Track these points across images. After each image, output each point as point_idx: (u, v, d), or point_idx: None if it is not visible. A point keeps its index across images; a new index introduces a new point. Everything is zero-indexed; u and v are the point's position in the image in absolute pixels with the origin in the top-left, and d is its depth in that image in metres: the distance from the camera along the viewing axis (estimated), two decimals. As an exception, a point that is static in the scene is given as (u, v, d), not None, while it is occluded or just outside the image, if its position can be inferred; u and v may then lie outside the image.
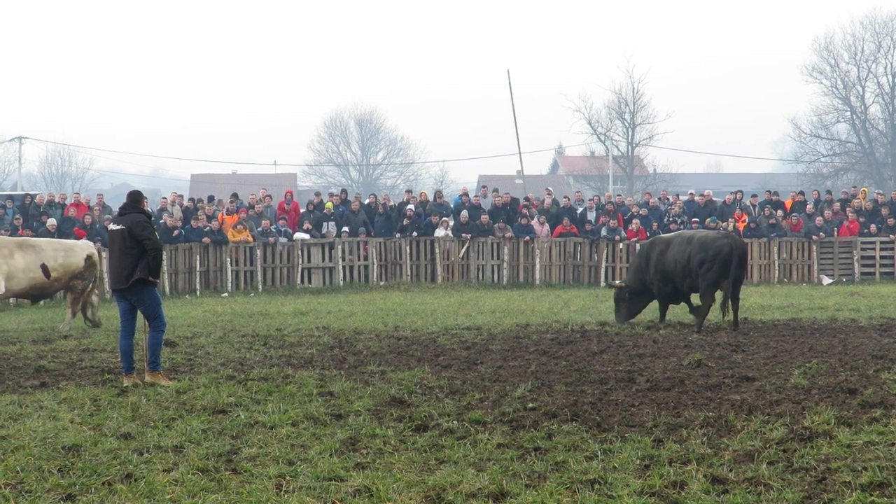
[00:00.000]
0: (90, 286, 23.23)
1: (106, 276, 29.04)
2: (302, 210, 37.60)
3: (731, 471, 9.34)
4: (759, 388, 13.46)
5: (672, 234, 24.15)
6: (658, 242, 22.71)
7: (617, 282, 23.76)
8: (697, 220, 36.03)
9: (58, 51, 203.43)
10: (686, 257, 21.14)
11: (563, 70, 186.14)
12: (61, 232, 32.36)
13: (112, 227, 15.18)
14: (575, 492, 8.84)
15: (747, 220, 36.79)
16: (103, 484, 9.21)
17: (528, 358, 16.64)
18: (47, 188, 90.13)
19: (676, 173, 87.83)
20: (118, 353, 15.36)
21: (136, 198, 15.24)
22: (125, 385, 14.38)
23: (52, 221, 32.21)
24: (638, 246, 32.66)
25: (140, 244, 14.59)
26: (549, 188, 43.65)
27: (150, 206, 33.50)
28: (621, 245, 35.55)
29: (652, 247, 22.52)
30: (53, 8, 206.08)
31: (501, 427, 11.33)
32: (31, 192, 41.01)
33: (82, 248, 23.53)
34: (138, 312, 14.99)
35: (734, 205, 38.22)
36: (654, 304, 22.57)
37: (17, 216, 32.61)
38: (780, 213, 37.47)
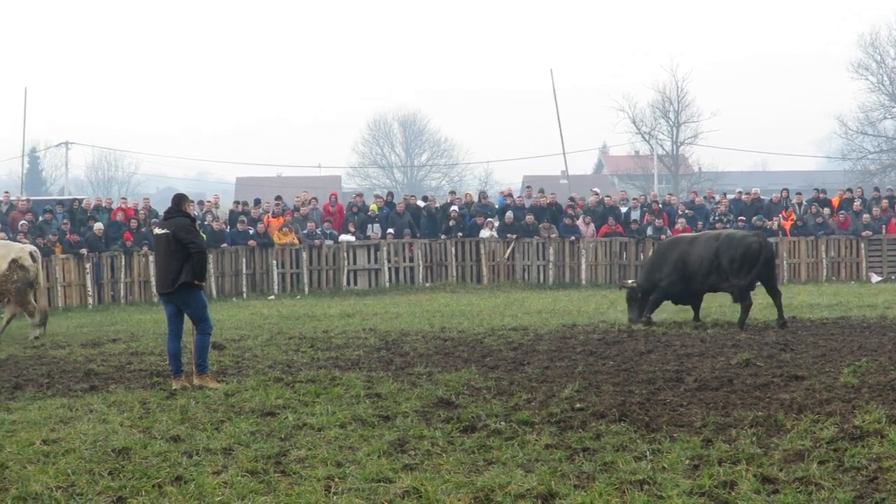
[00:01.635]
0: (31, 290, 22.80)
1: (152, 279, 29.26)
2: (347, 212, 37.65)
3: (781, 470, 9.28)
4: (808, 387, 13.36)
5: (693, 234, 24.19)
6: (679, 242, 22.72)
7: (629, 281, 23.66)
8: (744, 218, 35.79)
9: (103, 56, 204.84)
10: (713, 253, 21.09)
11: (607, 69, 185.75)
12: (108, 236, 32.60)
13: (157, 231, 15.32)
14: (624, 492, 8.80)
15: (794, 219, 36.57)
16: (153, 486, 9.26)
17: (575, 358, 16.60)
18: (94, 193, 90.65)
19: (722, 172, 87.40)
20: (166, 356, 15.42)
21: (179, 201, 15.30)
22: (174, 388, 14.44)
23: (98, 226, 32.44)
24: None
25: (185, 248, 14.64)
26: (597, 189, 43.54)
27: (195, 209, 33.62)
28: (667, 244, 35.38)
29: (672, 246, 22.50)
30: (98, 14, 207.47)
31: (549, 428, 11.30)
32: (78, 197, 41.25)
33: (8, 252, 22.91)
34: (185, 315, 15.06)
35: (781, 203, 38.00)
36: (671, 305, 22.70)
37: (65, 221, 32.81)
38: (827, 210, 37.18)
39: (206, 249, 15.40)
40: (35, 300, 22.83)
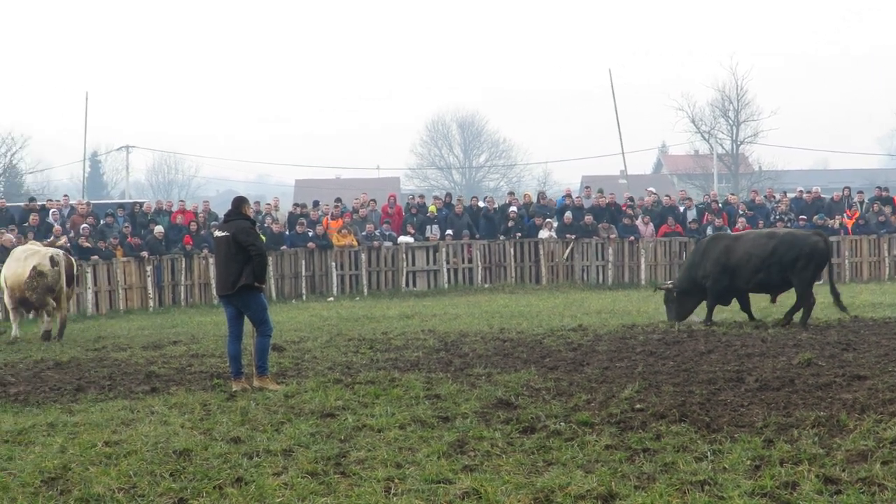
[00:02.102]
0: (51, 294, 22.77)
1: (213, 281, 29.35)
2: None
3: (843, 471, 9.19)
4: (871, 386, 13.23)
5: (738, 232, 24.17)
6: (723, 238, 22.78)
7: (667, 283, 23.56)
8: (805, 217, 35.52)
9: (163, 60, 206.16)
10: (768, 252, 21.00)
11: (666, 68, 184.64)
12: (168, 239, 32.81)
13: (217, 233, 15.37)
14: (685, 493, 8.76)
15: (857, 217, 36.24)
16: (214, 488, 9.31)
17: (634, 359, 16.54)
18: (154, 196, 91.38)
19: (782, 170, 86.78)
20: (227, 358, 15.48)
21: (239, 204, 15.36)
22: (234, 389, 14.50)
23: (159, 229, 32.64)
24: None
25: (245, 250, 14.70)
26: (652, 188, 43.37)
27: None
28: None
29: (714, 242, 22.33)
30: (158, 18, 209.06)
31: (609, 428, 11.26)
32: (139, 201, 41.53)
33: (32, 261, 22.90)
34: (245, 317, 15.12)
35: (842, 202, 37.67)
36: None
37: (126, 224, 33.05)
38: (889, 209, 36.78)
39: (265, 252, 15.47)
40: (58, 305, 22.93)
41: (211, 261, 32.09)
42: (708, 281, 21.61)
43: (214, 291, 15.03)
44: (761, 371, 14.72)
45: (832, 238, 28.87)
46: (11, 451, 10.97)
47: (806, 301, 20.75)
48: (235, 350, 14.99)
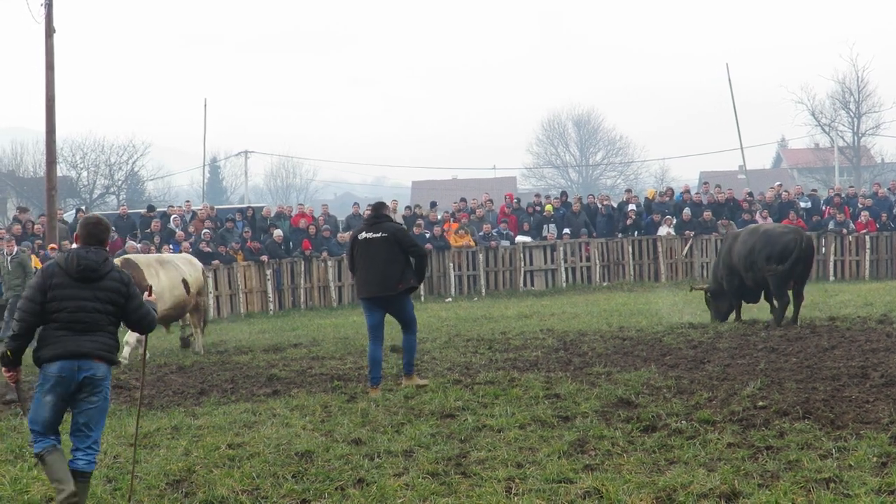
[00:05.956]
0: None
1: (331, 284, 29.49)
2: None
3: (973, 467, 9.02)
4: None
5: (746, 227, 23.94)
6: (730, 237, 22.65)
7: (702, 284, 23.34)
8: (929, 209, 34.90)
9: (278, 67, 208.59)
10: (748, 249, 20.72)
11: (784, 62, 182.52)
12: (288, 242, 33.12)
13: (369, 235, 14.98)
14: (810, 491, 8.64)
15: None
16: (336, 489, 9.38)
17: (756, 355, 16.34)
18: (273, 200, 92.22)
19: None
20: (345, 359, 15.53)
21: (384, 208, 15.40)
22: (372, 397, 14.17)
23: (278, 233, 32.91)
24: (868, 239, 32.06)
25: (405, 252, 14.77)
26: (781, 183, 42.76)
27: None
28: (850, 238, 34.57)
29: (724, 242, 22.15)
30: (270, 26, 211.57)
31: (731, 426, 11.14)
32: (257, 205, 41.93)
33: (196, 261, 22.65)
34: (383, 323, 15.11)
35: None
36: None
37: (247, 229, 33.37)
38: None
39: (427, 252, 15.62)
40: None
41: (330, 264, 32.37)
42: (724, 282, 21.48)
43: (359, 293, 14.75)
44: (887, 366, 14.48)
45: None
46: (137, 454, 11.14)
47: (780, 301, 20.52)
48: (379, 354, 14.89)
